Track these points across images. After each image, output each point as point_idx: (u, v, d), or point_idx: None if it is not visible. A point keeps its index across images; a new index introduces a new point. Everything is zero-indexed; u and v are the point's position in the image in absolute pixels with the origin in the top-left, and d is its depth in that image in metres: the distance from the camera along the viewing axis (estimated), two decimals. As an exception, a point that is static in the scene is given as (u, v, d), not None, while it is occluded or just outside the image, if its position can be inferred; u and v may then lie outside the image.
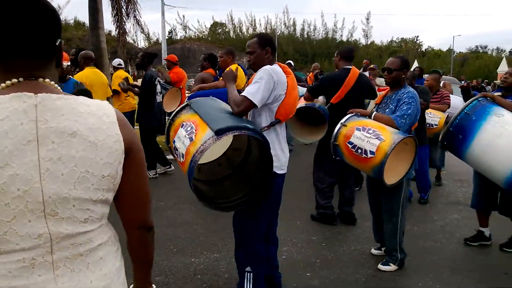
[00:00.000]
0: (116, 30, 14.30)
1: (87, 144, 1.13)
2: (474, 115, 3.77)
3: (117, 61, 8.45)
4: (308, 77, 10.17)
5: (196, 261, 3.90)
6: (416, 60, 30.82)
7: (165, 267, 3.78)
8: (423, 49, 48.77)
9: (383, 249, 4.02)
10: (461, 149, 3.88)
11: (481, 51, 52.94)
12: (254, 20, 49.33)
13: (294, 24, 44.45)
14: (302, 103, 4.87)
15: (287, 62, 9.69)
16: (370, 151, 3.36)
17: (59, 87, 1.18)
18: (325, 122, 4.71)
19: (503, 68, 26.80)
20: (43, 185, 1.07)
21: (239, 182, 3.05)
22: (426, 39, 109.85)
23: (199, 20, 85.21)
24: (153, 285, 1.44)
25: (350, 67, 4.84)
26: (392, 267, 3.73)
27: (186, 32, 44.85)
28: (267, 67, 2.89)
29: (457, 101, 7.15)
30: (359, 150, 3.45)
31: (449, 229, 4.73)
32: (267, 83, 2.81)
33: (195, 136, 2.51)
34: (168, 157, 7.01)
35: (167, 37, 31.83)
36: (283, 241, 4.34)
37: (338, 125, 3.66)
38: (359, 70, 5.22)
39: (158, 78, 6.69)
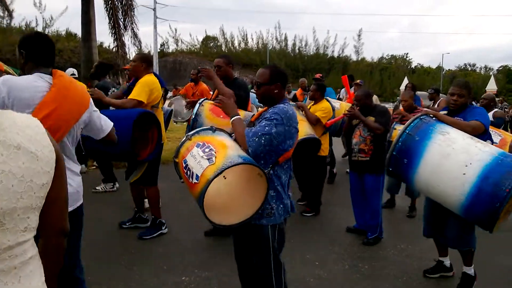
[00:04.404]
0: (114, 43, 14.05)
1: (30, 155, 1.17)
2: (417, 135, 3.35)
3: (70, 70, 8.17)
4: (297, 92, 10.09)
5: (187, 280, 3.79)
6: (406, 77, 31.18)
7: (155, 286, 3.66)
8: (413, 66, 49.34)
9: None
10: (408, 175, 3.41)
11: (469, 69, 53.68)
12: (246, 34, 50.13)
13: (285, 39, 44.97)
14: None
15: None
16: (196, 175, 2.49)
17: None
18: None
19: (491, 86, 27.13)
20: None
21: None
22: (416, 56, 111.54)
23: (191, 33, 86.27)
24: None
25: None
26: None
27: (178, 45, 45.04)
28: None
29: None
30: (188, 173, 2.58)
31: (443, 248, 4.65)
32: None
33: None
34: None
35: (159, 50, 31.90)
36: (275, 259, 4.25)
37: (184, 137, 2.79)
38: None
39: (113, 88, 6.24)
